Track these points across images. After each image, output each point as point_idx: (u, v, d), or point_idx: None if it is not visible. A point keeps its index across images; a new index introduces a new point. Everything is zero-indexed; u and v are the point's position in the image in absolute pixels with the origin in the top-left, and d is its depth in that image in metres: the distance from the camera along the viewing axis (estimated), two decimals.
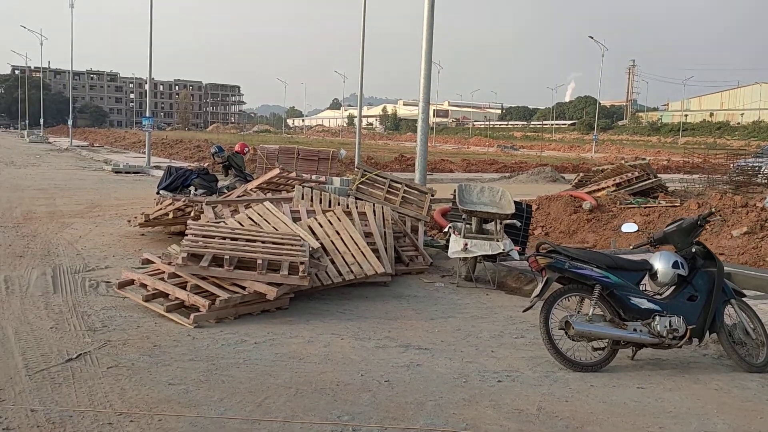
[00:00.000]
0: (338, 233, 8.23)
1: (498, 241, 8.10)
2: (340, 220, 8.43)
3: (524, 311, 5.74)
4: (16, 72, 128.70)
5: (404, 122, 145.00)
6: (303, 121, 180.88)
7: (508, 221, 8.42)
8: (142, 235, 10.89)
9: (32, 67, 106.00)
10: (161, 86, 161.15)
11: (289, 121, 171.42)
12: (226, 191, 12.43)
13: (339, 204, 9.39)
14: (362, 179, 10.66)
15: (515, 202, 8.94)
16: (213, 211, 9.08)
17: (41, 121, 69.60)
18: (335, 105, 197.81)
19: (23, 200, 15.09)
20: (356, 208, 9.19)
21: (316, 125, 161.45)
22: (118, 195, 17.13)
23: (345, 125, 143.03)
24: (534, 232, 12.60)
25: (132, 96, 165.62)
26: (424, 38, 11.09)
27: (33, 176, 22.25)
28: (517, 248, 8.55)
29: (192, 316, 6.03)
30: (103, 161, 32.07)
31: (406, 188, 10.59)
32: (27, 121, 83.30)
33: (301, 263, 6.71)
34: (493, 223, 8.43)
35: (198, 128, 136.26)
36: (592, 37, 62.08)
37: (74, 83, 67.63)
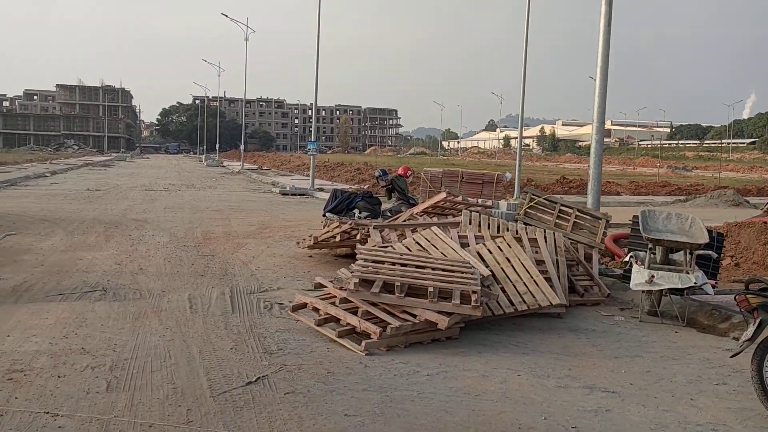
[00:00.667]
0: (508, 260, 7.87)
1: (688, 273, 7.34)
2: (510, 247, 8.07)
3: (732, 356, 5.06)
4: (197, 102, 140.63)
5: (563, 143, 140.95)
6: (458, 143, 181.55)
7: (700, 252, 7.61)
8: (310, 256, 11.15)
9: (210, 97, 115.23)
10: (323, 111, 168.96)
11: (444, 143, 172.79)
12: (389, 214, 12.48)
13: (508, 229, 9.03)
14: (530, 203, 10.22)
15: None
16: (380, 235, 9.06)
17: (217, 146, 75.34)
18: (491, 126, 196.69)
19: (202, 221, 16.13)
20: (526, 233, 8.78)
21: (472, 147, 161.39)
22: (286, 216, 17.85)
23: (501, 147, 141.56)
24: (722, 262, 11.42)
25: (297, 121, 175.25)
26: (599, 53, 10.49)
27: (210, 198, 23.87)
28: (712, 282, 7.70)
29: (363, 343, 5.93)
30: (270, 183, 33.86)
31: (578, 213, 10.01)
32: (204, 147, 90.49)
33: (473, 292, 6.43)
34: (681, 252, 7.67)
35: (357, 151, 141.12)
36: None
37: (246, 110, 72.69)
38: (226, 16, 49.19)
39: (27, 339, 5.83)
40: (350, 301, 6.57)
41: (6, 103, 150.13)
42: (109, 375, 5.00)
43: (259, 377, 5.10)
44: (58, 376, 4.91)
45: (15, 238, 11.58)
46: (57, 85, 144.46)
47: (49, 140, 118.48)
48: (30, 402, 4.42)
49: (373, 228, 9.30)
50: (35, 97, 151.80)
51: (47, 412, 4.26)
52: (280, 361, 5.53)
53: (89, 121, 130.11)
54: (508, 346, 6.46)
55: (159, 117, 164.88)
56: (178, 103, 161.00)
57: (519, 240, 8.41)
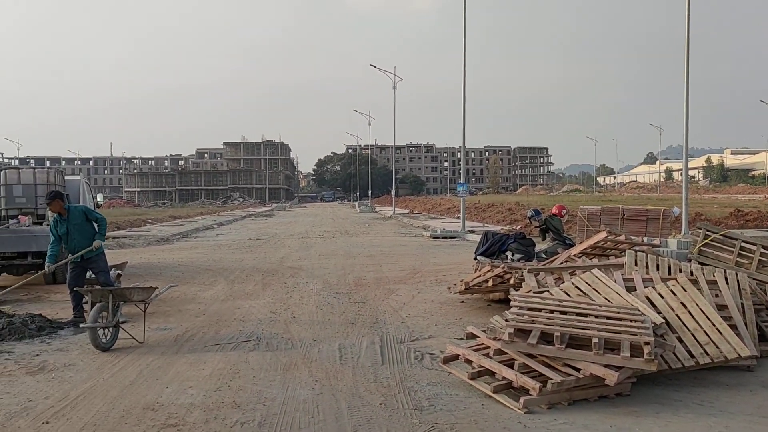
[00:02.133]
0: (684, 306, 7.00)
1: None
2: (685, 290, 7.19)
3: None
4: (349, 151, 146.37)
5: (733, 173, 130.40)
6: (614, 178, 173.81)
7: None
8: (462, 302, 10.74)
9: (362, 146, 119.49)
10: (472, 153, 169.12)
11: (600, 179, 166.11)
12: (544, 256, 11.82)
13: (680, 270, 8.11)
14: (705, 240, 9.18)
15: None
16: (535, 280, 8.49)
17: (369, 192, 77.42)
18: (650, 159, 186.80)
19: (354, 267, 16.27)
20: (703, 275, 7.83)
21: (630, 182, 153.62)
22: (437, 260, 17.59)
23: (662, 180, 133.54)
24: None
25: (446, 164, 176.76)
26: None
27: (363, 244, 24.23)
28: None
29: (522, 400, 5.42)
30: (421, 227, 33.94)
31: (762, 250, 8.83)
32: (358, 193, 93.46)
33: (646, 343, 5.71)
34: None
35: (507, 191, 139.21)
36: None
37: (396, 156, 74.49)
38: (375, 66, 50.85)
39: (183, 391, 5.91)
40: (505, 353, 6.08)
41: (181, 163, 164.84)
42: (258, 431, 4.88)
43: None
44: None
45: (182, 287, 12.20)
46: (224, 143, 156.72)
47: (217, 194, 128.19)
48: None
49: (528, 272, 8.74)
50: (205, 155, 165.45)
51: None
52: (431, 419, 5.16)
53: (252, 174, 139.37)
54: (690, 405, 5.65)
55: (315, 167, 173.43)
56: (332, 153, 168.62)
57: (695, 282, 7.50)
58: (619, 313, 6.44)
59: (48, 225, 13.35)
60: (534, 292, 7.70)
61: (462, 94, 28.52)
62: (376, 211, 62.11)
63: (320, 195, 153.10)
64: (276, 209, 77.94)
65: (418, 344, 7.80)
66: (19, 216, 13.67)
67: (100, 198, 17.06)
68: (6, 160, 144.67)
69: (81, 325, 7.85)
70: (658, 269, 8.22)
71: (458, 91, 29.12)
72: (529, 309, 6.50)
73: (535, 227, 13.66)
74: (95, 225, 9.28)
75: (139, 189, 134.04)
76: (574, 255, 9.81)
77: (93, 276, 9.50)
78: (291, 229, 35.77)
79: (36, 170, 14.80)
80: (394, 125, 52.23)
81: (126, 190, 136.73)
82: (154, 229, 33.28)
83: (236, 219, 49.57)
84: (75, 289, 8.78)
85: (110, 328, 7.66)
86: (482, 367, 6.05)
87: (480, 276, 10.11)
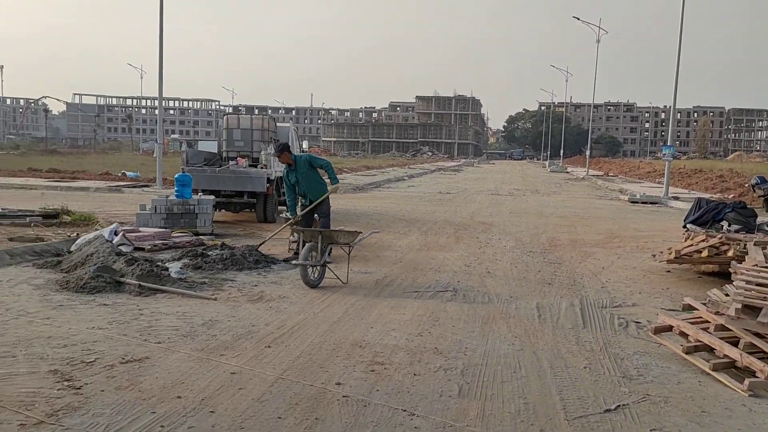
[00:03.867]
0: None
1: None
2: None
3: None
4: (542, 108, 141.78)
5: None
6: None
7: None
8: (668, 271, 10.04)
9: (556, 103, 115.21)
10: (679, 114, 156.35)
11: None
12: (766, 228, 10.65)
13: None
14: None
15: None
16: (762, 253, 7.67)
17: (561, 152, 74.75)
18: None
19: (547, 227, 15.85)
20: None
21: None
22: (637, 226, 16.60)
23: None
24: None
25: (647, 125, 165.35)
26: None
27: (554, 204, 23.52)
28: None
29: (747, 382, 4.95)
30: (618, 190, 32.20)
31: None
32: (548, 152, 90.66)
33: None
34: None
35: (717, 157, 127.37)
36: None
37: (592, 115, 70.81)
38: (578, 19, 48.37)
39: (387, 333, 6.13)
40: (728, 329, 5.58)
41: (375, 115, 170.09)
42: (461, 380, 4.93)
43: (618, 405, 4.54)
44: (414, 374, 5.00)
45: (378, 235, 12.64)
46: (416, 97, 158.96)
47: (407, 147, 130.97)
48: (389, 396, 4.54)
49: (753, 244, 7.92)
50: (398, 109, 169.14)
51: (404, 410, 4.31)
52: (642, 390, 4.89)
53: (442, 128, 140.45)
54: None
55: (505, 124, 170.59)
56: (524, 109, 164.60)
57: None
58: None
59: (262, 167, 14.47)
60: (761, 267, 6.97)
61: (678, 47, 26.22)
62: (567, 172, 59.92)
63: (509, 152, 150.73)
64: (464, 164, 78.06)
65: (622, 311, 7.42)
66: (237, 158, 14.90)
67: (305, 145, 18.10)
68: (222, 107, 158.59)
69: (293, 262, 8.43)
70: None
71: (668, 44, 26.78)
72: (758, 284, 5.89)
73: (759, 196, 12.35)
74: (321, 171, 9.94)
75: (335, 139, 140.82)
76: None
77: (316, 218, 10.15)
78: (480, 185, 35.65)
79: (253, 117, 15.98)
80: (594, 82, 49.67)
81: (323, 139, 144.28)
82: (349, 177, 34.82)
83: (426, 172, 50.39)
84: (295, 229, 9.42)
85: (318, 267, 8.14)
86: (699, 341, 5.61)
87: (692, 245, 9.35)
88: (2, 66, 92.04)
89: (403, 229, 14.49)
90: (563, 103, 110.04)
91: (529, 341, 6.05)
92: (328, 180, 10.19)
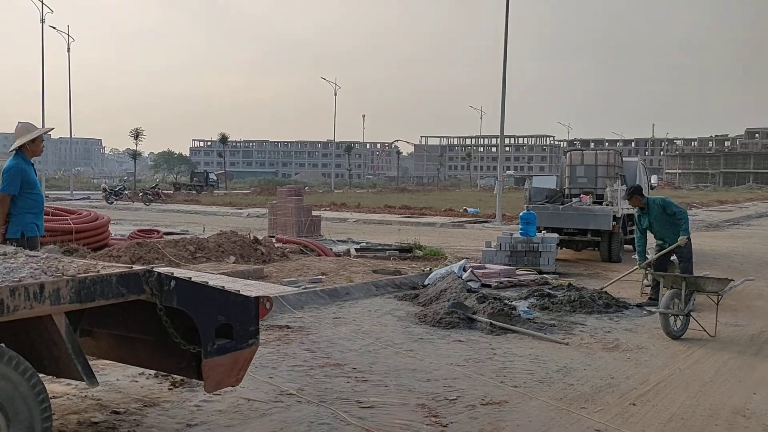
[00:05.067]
0: None
1: None
2: None
3: None
4: None
5: None
6: None
7: None
8: None
9: None
10: None
11: None
12: None
13: None
14: None
15: None
16: None
17: None
18: None
19: None
20: None
21: None
22: None
23: None
24: None
25: None
26: None
27: None
28: None
29: None
30: None
31: None
32: None
33: None
34: None
35: None
36: None
37: None
38: None
39: None
40: None
41: (727, 143, 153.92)
42: None
43: None
44: None
45: (753, 281, 11.11)
46: None
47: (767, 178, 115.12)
48: None
49: None
50: (756, 135, 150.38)
51: None
52: None
53: None
54: None
55: None
56: None
57: None
58: None
59: (607, 204, 13.89)
60: None
61: None
62: None
63: None
64: None
65: None
66: (581, 195, 14.52)
67: (654, 180, 16.93)
68: (557, 143, 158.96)
69: (652, 309, 7.78)
70: None
71: None
72: None
73: None
74: (675, 218, 9.06)
75: (680, 171, 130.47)
76: None
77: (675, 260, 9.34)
78: None
79: (597, 152, 15.50)
80: None
81: (666, 171, 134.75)
82: (700, 213, 31.69)
83: None
84: (652, 272, 8.74)
85: (681, 317, 7.36)
86: None
87: None
88: (364, 115, 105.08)
89: None
90: None
91: None
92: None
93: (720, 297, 7.57)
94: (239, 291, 4.01)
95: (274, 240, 14.56)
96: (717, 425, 4.69)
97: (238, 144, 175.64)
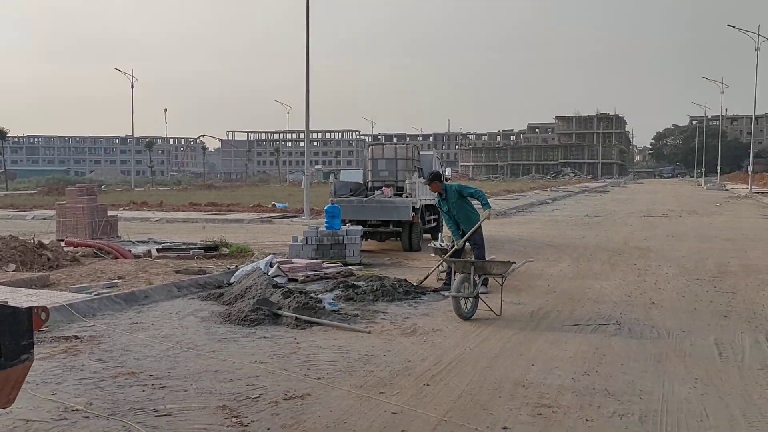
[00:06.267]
0: None
1: None
2: None
3: None
4: (694, 122, 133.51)
5: None
6: None
7: None
8: None
9: (709, 116, 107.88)
10: None
11: None
12: None
13: None
14: None
15: None
16: None
17: (718, 168, 69.63)
18: None
19: (713, 251, 14.63)
20: None
21: None
22: None
23: None
24: None
25: None
26: None
27: (716, 225, 21.78)
28: None
29: None
30: None
31: None
32: (702, 169, 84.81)
33: None
34: None
35: None
36: None
37: (753, 128, 65.30)
38: (734, 27, 45.14)
39: (550, 371, 5.77)
40: None
41: (513, 138, 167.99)
42: (640, 428, 4.49)
43: None
44: (586, 420, 4.62)
45: (532, 262, 12.20)
46: (556, 117, 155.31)
47: (548, 168, 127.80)
48: None
49: None
50: (537, 130, 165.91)
51: None
52: None
53: (584, 149, 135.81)
54: None
55: (652, 141, 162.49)
56: (673, 125, 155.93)
57: None
58: None
59: (407, 196, 14.54)
60: None
61: None
62: (726, 189, 55.52)
63: (658, 170, 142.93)
64: (610, 185, 74.80)
65: None
66: (383, 188, 15.06)
67: (448, 171, 17.96)
68: (362, 137, 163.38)
69: (444, 293, 8.27)
70: None
71: None
72: None
73: None
74: (472, 198, 9.76)
75: (473, 163, 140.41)
76: None
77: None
78: (630, 206, 33.86)
79: (397, 146, 16.15)
80: (754, 92, 45.88)
81: (461, 164, 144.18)
82: (490, 202, 34.25)
83: (569, 194, 48.73)
84: (443, 258, 9.29)
85: (471, 299, 7.91)
86: None
87: None
88: (166, 109, 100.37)
89: (553, 255, 13.94)
90: (718, 116, 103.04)
91: (713, 384, 5.45)
92: (480, 207, 9.97)
93: (504, 279, 8.26)
94: (7, 302, 3.62)
95: (63, 244, 13.42)
96: (500, 397, 5.11)
97: (21, 140, 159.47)
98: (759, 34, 46.10)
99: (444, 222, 10.02)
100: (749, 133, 63.53)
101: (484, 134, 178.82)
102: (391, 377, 5.57)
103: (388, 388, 5.30)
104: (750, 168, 52.27)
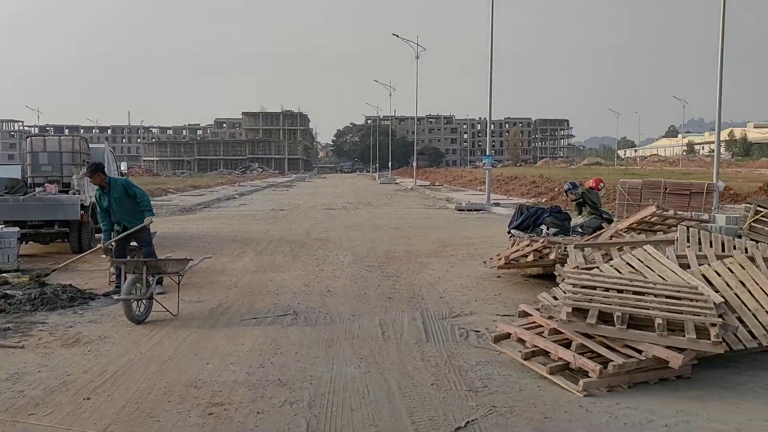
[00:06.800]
0: (743, 284, 6.66)
1: None
2: (743, 268, 6.85)
3: None
4: (369, 122, 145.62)
5: (756, 147, 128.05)
6: (635, 151, 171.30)
7: None
8: (498, 277, 10.44)
9: (381, 117, 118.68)
10: (492, 125, 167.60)
11: (620, 152, 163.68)
12: (580, 230, 11.47)
13: (735, 247, 7.75)
14: (756, 216, 8.77)
15: None
16: (582, 255, 8.17)
17: (389, 164, 76.96)
18: (671, 132, 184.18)
19: (383, 239, 16.01)
20: (759, 251, 7.46)
21: (651, 155, 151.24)
22: (466, 233, 17.27)
23: (684, 154, 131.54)
24: None
25: (465, 136, 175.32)
26: None
27: (387, 215, 23.95)
28: None
29: (581, 383, 5.14)
30: (445, 199, 33.58)
31: None
32: (377, 165, 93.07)
33: (712, 325, 5.41)
34: None
35: (527, 164, 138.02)
36: None
37: (416, 128, 73.67)
38: (398, 36, 50.09)
39: (225, 368, 5.70)
40: (560, 333, 5.80)
41: (200, 132, 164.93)
42: (308, 413, 4.65)
43: (468, 422, 4.50)
44: (257, 413, 4.64)
45: (211, 259, 12.01)
46: (243, 113, 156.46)
47: (236, 164, 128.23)
48: None
49: (574, 247, 8.42)
50: (224, 126, 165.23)
51: None
52: (488, 402, 4.90)
53: (271, 144, 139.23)
54: (756, 390, 5.35)
55: (334, 138, 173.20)
56: (351, 123, 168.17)
57: (752, 260, 7.14)
58: (678, 292, 6.13)
59: (74, 193, 13.25)
60: (582, 269, 7.40)
61: (489, 63, 27.92)
62: (396, 183, 61.70)
63: (339, 166, 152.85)
64: (296, 180, 77.76)
65: (461, 321, 7.53)
66: (46, 184, 13.52)
67: (123, 166, 16.82)
68: (26, 128, 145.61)
69: (115, 297, 7.68)
70: (711, 246, 7.85)
71: (480, 60, 28.53)
72: (584, 287, 6.20)
73: (572, 200, 13.29)
74: (137, 200, 9.06)
75: (157, 158, 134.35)
76: (621, 230, 9.44)
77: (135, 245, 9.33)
78: (313, 200, 35.56)
79: (61, 138, 14.63)
80: (416, 96, 51.71)
81: (144, 159, 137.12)
82: (175, 198, 33.22)
83: (257, 189, 49.47)
84: (111, 259, 8.61)
85: (144, 301, 7.47)
86: (536, 347, 5.78)
87: (519, 250, 9.80)
88: None
89: (237, 250, 13.93)
90: (388, 116, 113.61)
91: (375, 361, 5.90)
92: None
93: (181, 277, 7.96)
94: None
95: None
96: (170, 401, 4.87)
97: None
98: (418, 44, 51.88)
99: (100, 219, 9.20)
100: (416, 133, 71.22)
101: (169, 128, 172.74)
102: (45, 395, 4.96)
103: (40, 408, 4.71)
104: (414, 164, 58.67)
